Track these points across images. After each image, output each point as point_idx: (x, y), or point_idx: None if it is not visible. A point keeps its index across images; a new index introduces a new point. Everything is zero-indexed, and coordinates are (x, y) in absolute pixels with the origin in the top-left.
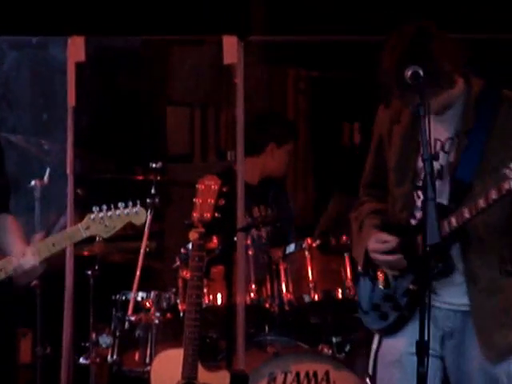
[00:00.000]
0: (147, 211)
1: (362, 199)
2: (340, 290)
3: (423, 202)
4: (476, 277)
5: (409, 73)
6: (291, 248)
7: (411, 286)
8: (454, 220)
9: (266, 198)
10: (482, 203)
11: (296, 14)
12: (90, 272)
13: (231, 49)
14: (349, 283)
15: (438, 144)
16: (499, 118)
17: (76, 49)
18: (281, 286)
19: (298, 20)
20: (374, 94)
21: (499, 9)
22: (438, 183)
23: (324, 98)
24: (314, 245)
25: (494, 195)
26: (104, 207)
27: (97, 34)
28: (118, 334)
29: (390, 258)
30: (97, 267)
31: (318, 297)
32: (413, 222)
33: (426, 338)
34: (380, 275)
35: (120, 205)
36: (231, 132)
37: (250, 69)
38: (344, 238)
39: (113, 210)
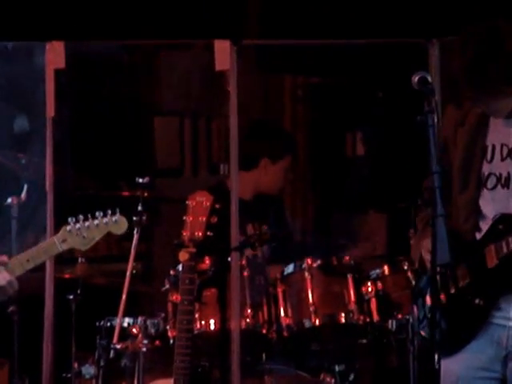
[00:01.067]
0: (134, 230)
1: (426, 202)
2: (343, 314)
3: (432, 219)
4: None
5: (416, 78)
6: (290, 269)
7: (477, 301)
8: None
9: (261, 214)
10: None
11: (292, 18)
12: (71, 296)
13: (223, 54)
14: (352, 306)
15: (505, 150)
16: None
17: (55, 55)
18: (279, 310)
19: (295, 23)
20: (376, 101)
21: None
22: (505, 192)
23: (324, 106)
24: (314, 265)
25: None
26: (81, 218)
27: (78, 39)
28: (102, 363)
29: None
30: (79, 291)
31: (320, 321)
32: (478, 236)
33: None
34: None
35: (98, 214)
36: (224, 144)
37: (243, 75)
38: (347, 258)
39: (90, 220)
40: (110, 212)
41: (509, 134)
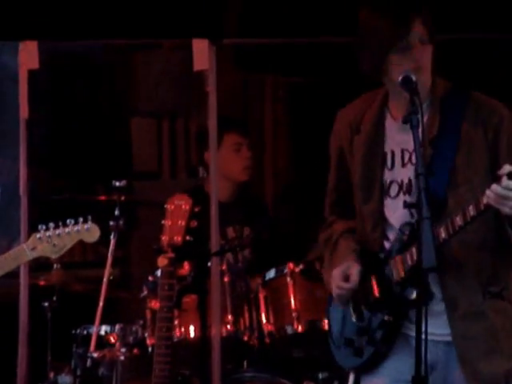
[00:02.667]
0: (111, 234)
1: (328, 219)
2: (326, 321)
3: (417, 222)
4: (456, 303)
5: (400, 78)
6: (271, 274)
7: (386, 318)
8: None
9: (241, 216)
10: (459, 221)
11: (272, 16)
12: (47, 304)
13: (202, 54)
14: None
15: (406, 155)
16: (466, 123)
17: (28, 55)
18: (260, 316)
19: (275, 22)
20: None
21: (465, 8)
22: (407, 199)
23: (306, 106)
24: (296, 270)
25: (472, 211)
26: (51, 225)
27: (51, 39)
28: (79, 372)
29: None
30: (55, 298)
31: (302, 328)
32: (387, 244)
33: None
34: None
35: (69, 222)
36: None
37: (223, 76)
38: None
39: (61, 227)
40: (81, 220)
41: (408, 138)
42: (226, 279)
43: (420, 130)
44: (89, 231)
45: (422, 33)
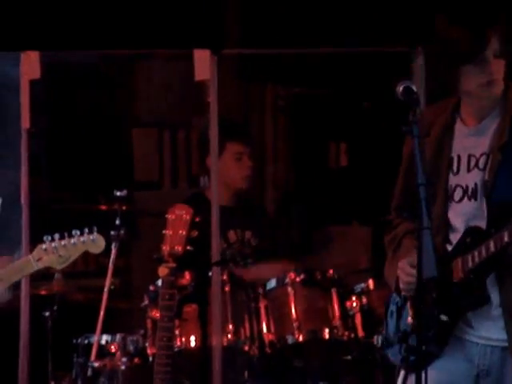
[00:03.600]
0: (112, 244)
1: (394, 222)
2: (327, 330)
3: (418, 231)
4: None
5: (400, 88)
6: (272, 283)
7: (443, 317)
8: (492, 245)
9: (242, 220)
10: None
11: (274, 26)
12: (47, 313)
13: (203, 64)
14: (336, 322)
15: (473, 160)
16: None
17: (30, 65)
18: (261, 325)
19: (276, 32)
20: (360, 111)
21: None
22: (472, 204)
23: (307, 116)
24: (297, 280)
25: (492, 248)
26: (56, 236)
27: (53, 49)
28: (79, 382)
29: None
30: (55, 308)
31: (303, 337)
32: (449, 247)
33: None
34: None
35: (74, 233)
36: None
37: (224, 86)
38: (331, 271)
39: (67, 238)
40: (87, 230)
41: (476, 144)
42: (226, 289)
43: (417, 140)
44: (94, 242)
45: (496, 47)
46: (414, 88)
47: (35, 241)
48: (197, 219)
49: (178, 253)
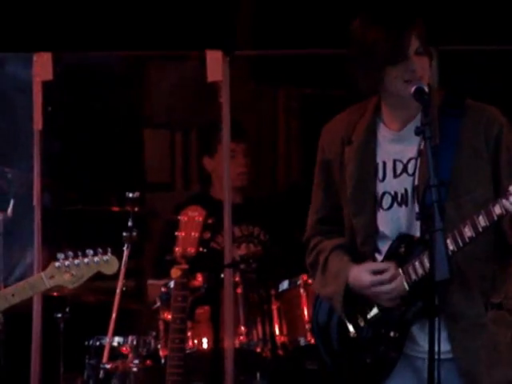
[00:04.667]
0: (124, 246)
1: (311, 243)
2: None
3: (430, 234)
4: (458, 315)
5: (412, 89)
6: (285, 285)
7: (392, 334)
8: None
9: (250, 217)
10: (468, 232)
11: (285, 27)
12: (59, 315)
13: (216, 65)
14: None
15: (399, 166)
16: (465, 131)
17: (42, 66)
18: (273, 327)
19: (288, 33)
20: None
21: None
22: (403, 210)
23: (319, 117)
24: (310, 281)
25: (483, 222)
26: (70, 254)
27: (66, 50)
28: (91, 383)
29: (393, 285)
30: (67, 309)
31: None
32: (378, 257)
33: None
34: (351, 319)
35: (88, 252)
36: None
37: (236, 87)
38: None
39: (80, 257)
40: (101, 250)
41: (401, 149)
42: (239, 291)
43: (428, 141)
44: (108, 263)
45: (417, 45)
46: (426, 89)
47: (47, 242)
48: (209, 221)
49: (190, 254)
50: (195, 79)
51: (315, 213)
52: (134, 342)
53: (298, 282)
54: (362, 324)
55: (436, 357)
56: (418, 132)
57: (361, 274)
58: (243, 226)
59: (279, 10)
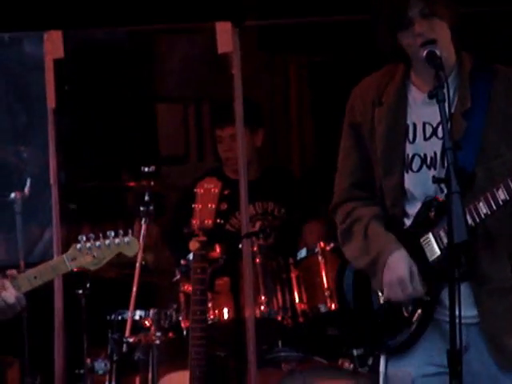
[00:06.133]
0: (141, 220)
1: (344, 208)
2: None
3: (446, 196)
4: (485, 278)
5: (424, 52)
6: (303, 253)
7: (425, 298)
8: (468, 218)
9: (263, 193)
10: (501, 194)
11: None
12: (80, 291)
13: (225, 36)
14: None
15: (429, 129)
16: (496, 96)
17: (53, 45)
18: (293, 295)
19: (295, 3)
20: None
21: None
22: (432, 173)
23: (329, 84)
24: (327, 248)
25: None
26: (92, 236)
27: (75, 28)
28: (115, 358)
29: (414, 293)
30: (88, 285)
31: (335, 306)
32: (406, 221)
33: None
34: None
35: (109, 234)
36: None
37: (247, 58)
38: None
39: (101, 239)
40: (121, 232)
41: (432, 112)
42: (257, 260)
43: (446, 104)
44: (129, 244)
45: (421, 6)
46: (438, 52)
47: (65, 219)
48: (225, 192)
49: (208, 226)
50: (205, 51)
51: (347, 176)
52: (156, 315)
53: (316, 250)
54: None
55: (460, 321)
56: (431, 96)
57: (400, 263)
58: (257, 203)
59: None
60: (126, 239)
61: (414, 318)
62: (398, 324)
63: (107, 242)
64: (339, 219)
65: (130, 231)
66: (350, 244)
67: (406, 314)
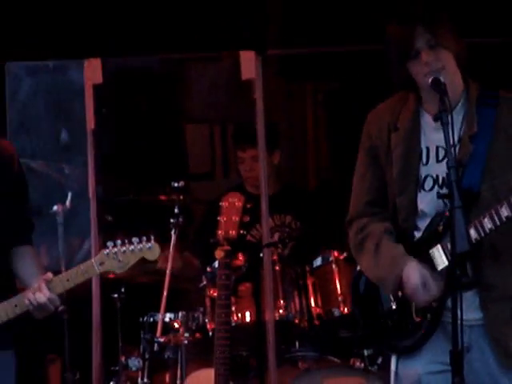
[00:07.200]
0: (171, 231)
1: (358, 223)
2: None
3: (450, 210)
4: (490, 286)
5: (429, 80)
6: (318, 262)
7: (434, 304)
8: (473, 232)
9: (282, 207)
10: (505, 211)
11: (311, 28)
12: (116, 295)
13: (249, 64)
14: None
15: (441, 152)
16: (500, 120)
17: (93, 71)
18: (309, 300)
19: (313, 34)
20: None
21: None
22: (443, 192)
23: (343, 109)
24: (341, 257)
25: None
26: (118, 242)
27: (113, 56)
28: (147, 356)
29: (432, 294)
30: (123, 290)
31: (348, 310)
32: (416, 234)
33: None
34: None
35: (134, 240)
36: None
37: (268, 83)
38: None
39: (127, 245)
40: (145, 238)
41: (442, 137)
42: (277, 268)
43: (449, 127)
44: (150, 249)
45: (427, 38)
46: (442, 79)
47: (102, 230)
48: (248, 205)
49: (232, 237)
50: (230, 78)
51: (364, 195)
52: (184, 318)
53: (330, 259)
54: (401, 295)
55: (464, 323)
56: (436, 118)
57: (414, 272)
58: (275, 216)
59: (305, 12)
60: (148, 245)
61: (424, 323)
62: (408, 327)
63: (131, 247)
64: (353, 232)
65: (152, 237)
66: (362, 256)
67: (416, 320)
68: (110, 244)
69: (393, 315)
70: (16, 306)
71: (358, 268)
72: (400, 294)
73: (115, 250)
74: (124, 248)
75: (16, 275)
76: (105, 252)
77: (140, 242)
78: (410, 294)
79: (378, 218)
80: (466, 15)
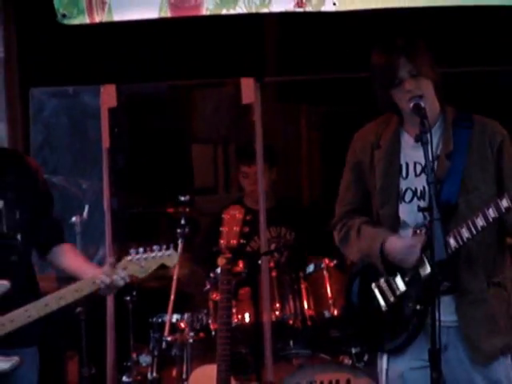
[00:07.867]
0: (178, 240)
1: (341, 222)
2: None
3: (429, 222)
4: (465, 291)
5: (411, 105)
6: (311, 268)
7: (418, 307)
8: (453, 241)
9: (277, 219)
10: (480, 222)
11: (305, 57)
12: (128, 298)
13: (249, 89)
14: None
15: (419, 167)
16: (474, 140)
17: (108, 96)
18: (303, 303)
19: (307, 62)
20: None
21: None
22: (421, 204)
23: (335, 130)
24: (331, 264)
25: (492, 213)
26: (141, 250)
27: (126, 82)
28: (156, 353)
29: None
30: (134, 293)
31: (337, 312)
32: None
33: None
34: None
35: (155, 247)
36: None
37: (265, 107)
38: None
39: (148, 252)
40: (165, 246)
41: (421, 154)
42: (273, 274)
43: (429, 146)
44: (169, 257)
45: (409, 68)
46: (423, 104)
47: (116, 240)
48: (247, 217)
49: (233, 246)
50: (232, 102)
51: (346, 204)
52: (190, 319)
53: (322, 266)
54: (392, 300)
55: (442, 324)
56: (416, 139)
57: (396, 241)
58: (272, 228)
59: (298, 44)
60: (168, 252)
61: (411, 325)
62: (396, 329)
63: (152, 254)
64: (337, 231)
65: (171, 245)
66: (348, 245)
67: (404, 321)
68: (132, 251)
69: (384, 317)
70: (77, 291)
71: (351, 273)
72: (390, 297)
73: (138, 256)
74: (146, 255)
75: (64, 269)
76: (128, 258)
77: (160, 249)
78: (398, 259)
79: (358, 216)
80: (442, 45)
